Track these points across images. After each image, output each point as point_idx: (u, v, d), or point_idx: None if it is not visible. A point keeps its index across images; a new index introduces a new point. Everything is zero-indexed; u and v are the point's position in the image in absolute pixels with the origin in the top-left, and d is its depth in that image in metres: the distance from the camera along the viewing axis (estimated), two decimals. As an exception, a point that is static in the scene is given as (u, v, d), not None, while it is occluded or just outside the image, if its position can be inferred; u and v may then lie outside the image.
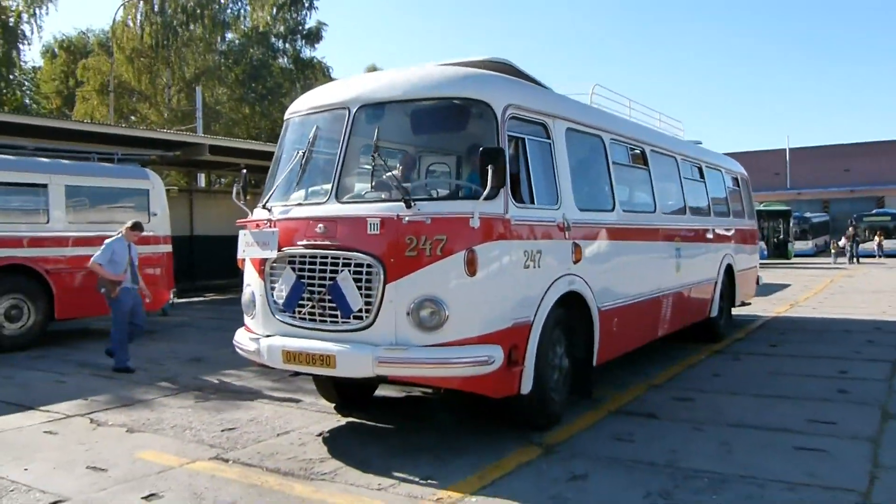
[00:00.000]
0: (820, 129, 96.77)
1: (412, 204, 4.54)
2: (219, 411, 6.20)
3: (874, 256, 33.77)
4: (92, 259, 8.06)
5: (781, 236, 34.24)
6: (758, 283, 11.72)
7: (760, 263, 29.03)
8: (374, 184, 4.96)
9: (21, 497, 4.22)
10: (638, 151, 7.17)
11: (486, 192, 4.46)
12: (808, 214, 41.10)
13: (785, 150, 48.89)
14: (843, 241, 32.61)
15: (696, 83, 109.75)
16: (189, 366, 8.41)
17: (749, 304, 11.54)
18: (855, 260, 31.55)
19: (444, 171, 5.80)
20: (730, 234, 9.89)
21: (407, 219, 4.51)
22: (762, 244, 30.45)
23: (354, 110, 5.04)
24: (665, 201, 7.62)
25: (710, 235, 8.96)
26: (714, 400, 6.31)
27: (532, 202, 5.10)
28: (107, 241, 8.09)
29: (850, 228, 33.48)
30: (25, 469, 4.71)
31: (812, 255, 37.66)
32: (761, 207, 33.88)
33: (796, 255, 35.03)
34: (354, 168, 5.10)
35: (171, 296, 11.69)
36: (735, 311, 11.21)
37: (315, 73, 38.54)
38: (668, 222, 7.53)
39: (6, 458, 4.94)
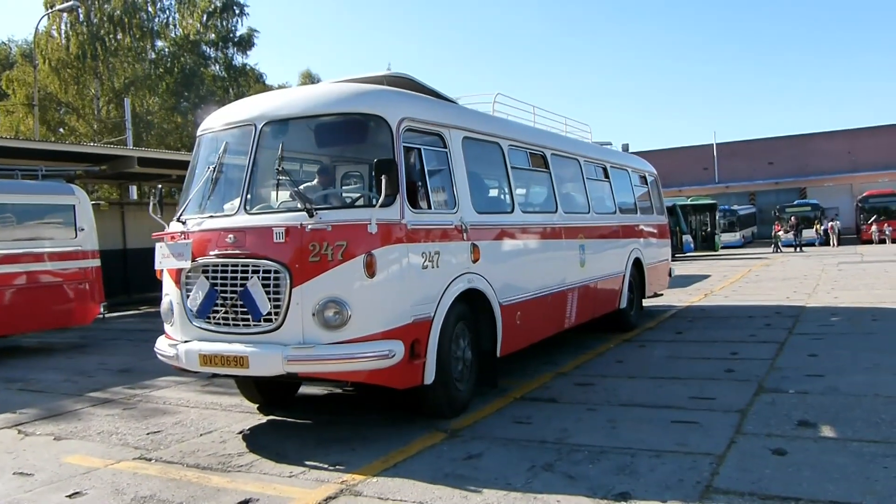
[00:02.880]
0: (745, 123, 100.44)
1: (314, 213, 4.93)
2: (145, 417, 6.47)
3: (813, 245, 35.19)
4: None
5: (708, 229, 35.62)
6: (670, 275, 12.42)
7: (688, 256, 30.11)
8: (279, 195, 5.33)
9: (-53, 503, 4.45)
10: (539, 155, 7.70)
11: (381, 200, 4.89)
12: (735, 207, 42.71)
13: (712, 145, 50.69)
14: (780, 232, 33.97)
15: (625, 82, 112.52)
16: (118, 376, 8.60)
17: (661, 294, 12.24)
18: (799, 249, 32.84)
19: (346, 182, 6.19)
20: (637, 229, 10.53)
21: (309, 227, 4.89)
22: (688, 237, 31.74)
23: (260, 126, 5.40)
24: (567, 201, 8.17)
25: (615, 232, 9.57)
26: (612, 384, 6.85)
27: (429, 207, 5.55)
28: None
29: (793, 218, 34.88)
30: (-48, 478, 4.92)
31: (740, 247, 39.20)
32: (688, 202, 35.26)
33: (724, 247, 36.45)
34: (261, 181, 5.45)
35: (102, 310, 11.77)
36: (650, 301, 11.93)
37: (248, 81, 38.46)
38: (571, 221, 8.07)
39: (-67, 470, 5.13)
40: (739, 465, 4.39)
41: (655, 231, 11.47)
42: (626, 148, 12.31)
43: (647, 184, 11.61)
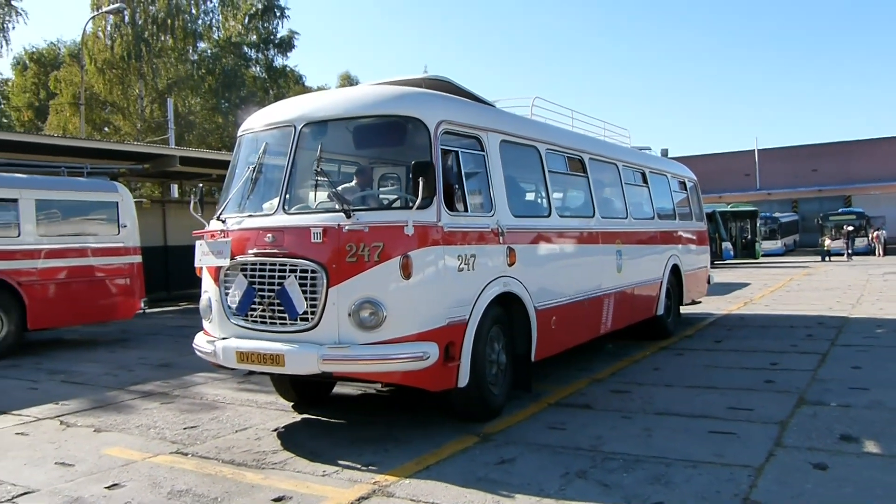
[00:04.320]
0: (788, 129, 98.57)
1: (352, 214, 4.96)
2: (182, 412, 6.57)
3: (864, 254, 34.41)
4: None
5: (749, 236, 35.00)
6: (709, 282, 12.22)
7: (727, 264, 29.62)
8: (317, 196, 5.37)
9: (-8, 490, 4.57)
10: (576, 159, 7.64)
11: (418, 203, 4.90)
12: (776, 214, 41.96)
13: (754, 151, 49.84)
14: (827, 241, 33.24)
15: (665, 86, 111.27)
16: (158, 370, 8.75)
17: (700, 302, 12.07)
18: (850, 257, 32.15)
19: (383, 183, 6.21)
20: (676, 236, 10.39)
21: (347, 228, 4.92)
22: (728, 245, 31.25)
23: (300, 127, 5.45)
24: (605, 206, 8.10)
25: (653, 238, 9.46)
26: (648, 391, 6.76)
27: (466, 210, 5.54)
28: None
29: (845, 227, 34.07)
30: (-3, 466, 5.06)
31: (781, 255, 38.49)
32: (728, 208, 34.75)
33: (765, 255, 35.80)
34: (300, 181, 5.50)
35: (143, 305, 11.99)
36: (689, 309, 11.77)
37: (288, 82, 38.98)
38: (608, 226, 7.99)
39: (-21, 458, 5.29)
40: (779, 479, 4.29)
41: (694, 237, 11.31)
42: (665, 153, 12.16)
43: (686, 189, 11.46)
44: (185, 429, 5.94)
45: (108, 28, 33.35)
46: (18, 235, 10.27)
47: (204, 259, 5.54)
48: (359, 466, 4.77)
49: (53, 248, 10.65)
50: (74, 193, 11.08)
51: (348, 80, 45.80)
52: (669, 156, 12.25)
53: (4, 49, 38.64)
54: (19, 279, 10.23)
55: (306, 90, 36.26)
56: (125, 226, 11.58)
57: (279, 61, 39.80)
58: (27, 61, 40.55)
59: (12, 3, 31.85)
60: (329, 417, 6.18)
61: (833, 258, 32.06)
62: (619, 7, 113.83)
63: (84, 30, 32.06)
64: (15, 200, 10.25)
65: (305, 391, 6.48)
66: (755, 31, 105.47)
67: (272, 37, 39.03)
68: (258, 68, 39.26)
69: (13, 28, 33.19)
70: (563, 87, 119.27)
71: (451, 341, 5.19)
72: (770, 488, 4.15)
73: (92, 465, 5.01)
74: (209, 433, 5.77)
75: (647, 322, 9.50)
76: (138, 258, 11.82)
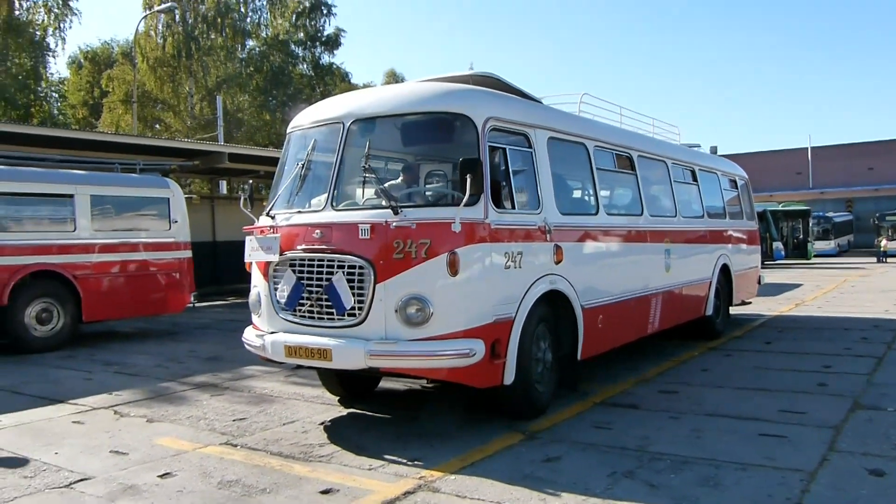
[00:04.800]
0: (843, 127, 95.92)
1: (399, 211, 4.98)
2: (231, 404, 6.69)
3: None
4: None
5: (801, 236, 34.14)
6: (759, 282, 11.97)
7: (778, 264, 28.89)
8: (365, 192, 5.42)
9: (52, 476, 4.73)
10: (625, 156, 7.55)
11: (465, 199, 4.89)
12: (830, 214, 40.94)
13: (807, 148, 48.61)
14: (884, 242, 32.31)
15: (715, 83, 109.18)
16: (207, 363, 8.93)
17: (749, 303, 11.83)
18: None
19: (430, 180, 6.21)
20: (726, 235, 10.20)
21: (394, 224, 4.95)
22: (779, 244, 30.52)
23: (348, 124, 5.50)
24: (653, 204, 7.98)
25: (703, 236, 9.29)
26: (697, 392, 6.65)
27: (513, 207, 5.52)
28: None
29: None
30: (56, 453, 5.23)
31: (835, 256, 37.51)
32: (779, 207, 33.94)
33: (818, 256, 34.91)
34: (348, 178, 5.55)
35: (192, 299, 12.24)
36: (738, 309, 11.54)
37: (334, 79, 39.35)
38: (657, 224, 7.88)
39: (39, 444, 5.47)
40: (832, 484, 4.19)
41: (745, 237, 11.09)
42: (714, 150, 11.96)
43: (736, 188, 11.24)
44: (234, 420, 6.05)
45: (160, 27, 34.13)
46: (74, 230, 10.57)
47: (253, 254, 5.63)
48: (404, 461, 4.80)
49: (107, 242, 10.94)
50: (127, 189, 11.36)
51: (394, 78, 46.05)
52: (719, 153, 12.03)
53: (60, 48, 39.80)
54: (75, 272, 10.53)
55: (352, 87, 36.59)
56: (176, 221, 11.83)
57: (326, 59, 40.31)
58: (82, 60, 41.73)
59: (69, 2, 32.73)
60: (375, 412, 6.24)
61: (889, 259, 31.11)
62: (668, 3, 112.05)
63: (136, 28, 32.83)
64: (71, 196, 10.54)
65: (352, 386, 6.54)
66: (808, 27, 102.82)
67: (319, 34, 39.47)
68: (305, 66, 39.76)
69: (70, 27, 34.13)
70: (611, 84, 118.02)
71: (497, 339, 5.18)
72: (823, 493, 4.05)
73: (144, 454, 5.14)
74: (257, 425, 5.87)
75: (696, 322, 9.35)
76: (188, 253, 12.06)
